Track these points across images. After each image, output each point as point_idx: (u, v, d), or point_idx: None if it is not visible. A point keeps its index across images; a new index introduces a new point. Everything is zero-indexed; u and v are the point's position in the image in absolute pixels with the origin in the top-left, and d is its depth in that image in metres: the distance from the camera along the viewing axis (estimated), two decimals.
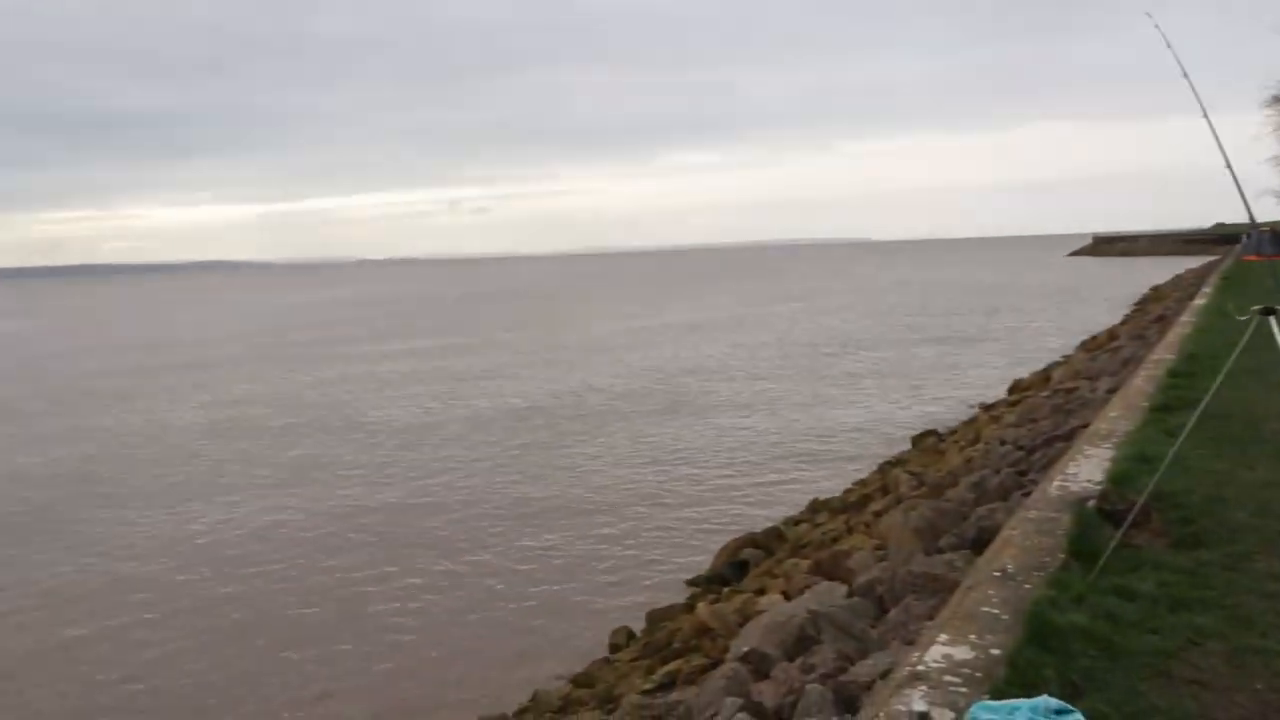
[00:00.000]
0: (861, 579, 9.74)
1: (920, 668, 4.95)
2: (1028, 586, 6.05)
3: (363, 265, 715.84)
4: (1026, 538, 7.20)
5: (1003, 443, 14.67)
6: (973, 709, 4.30)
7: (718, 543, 15.17)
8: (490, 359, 43.34)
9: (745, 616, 10.43)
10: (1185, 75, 7.99)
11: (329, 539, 16.79)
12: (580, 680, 10.83)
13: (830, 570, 11.17)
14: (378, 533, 17.00)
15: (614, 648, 11.80)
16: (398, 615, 13.36)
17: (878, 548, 11.23)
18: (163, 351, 55.37)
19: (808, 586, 10.63)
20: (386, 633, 12.79)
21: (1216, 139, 7.81)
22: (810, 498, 17.34)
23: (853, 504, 15.87)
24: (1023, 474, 11.63)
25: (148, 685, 11.62)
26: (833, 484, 18.78)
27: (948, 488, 12.89)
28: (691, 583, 13.90)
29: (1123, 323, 37.51)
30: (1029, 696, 4.35)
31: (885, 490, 15.91)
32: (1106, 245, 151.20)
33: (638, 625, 12.24)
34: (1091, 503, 7.65)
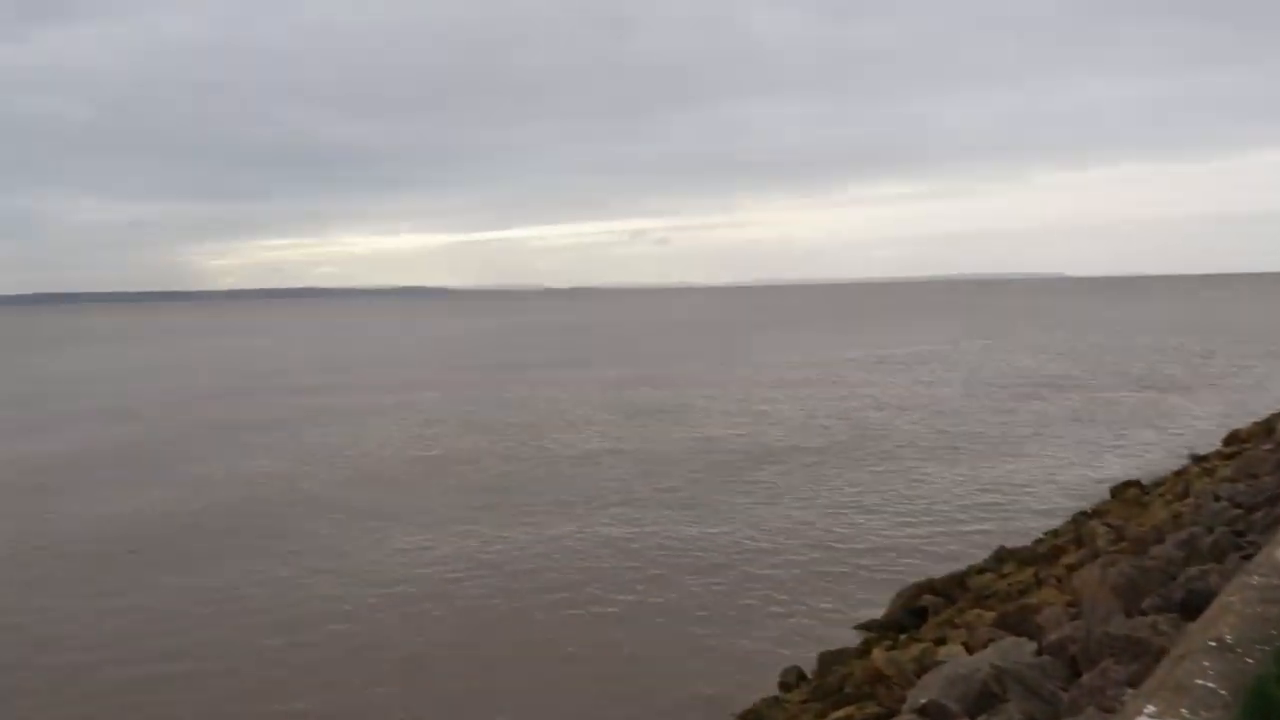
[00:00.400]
0: (1052, 636, 9.16)
1: None
2: (1250, 660, 5.51)
3: (547, 293, 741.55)
4: (1248, 605, 6.57)
5: (1217, 498, 13.45)
6: None
7: (893, 587, 14.62)
8: (669, 391, 43.80)
9: (923, 666, 10.00)
10: None
11: (509, 567, 17.08)
12: (748, 717, 10.68)
13: (1017, 624, 10.55)
14: (554, 563, 17.20)
15: (784, 686, 11.58)
16: (573, 644, 13.55)
17: (1070, 604, 10.52)
18: (364, 370, 59.27)
19: (992, 640, 10.09)
20: (561, 662, 12.99)
21: None
22: (996, 546, 16.46)
23: (1043, 555, 14.95)
24: (1241, 534, 10.65)
25: (336, 701, 12.23)
26: (1020, 533, 17.77)
27: (1152, 544, 11.95)
28: (864, 627, 13.45)
29: None
30: None
31: (1080, 543, 14.90)
32: None
33: (808, 666, 11.96)
34: None
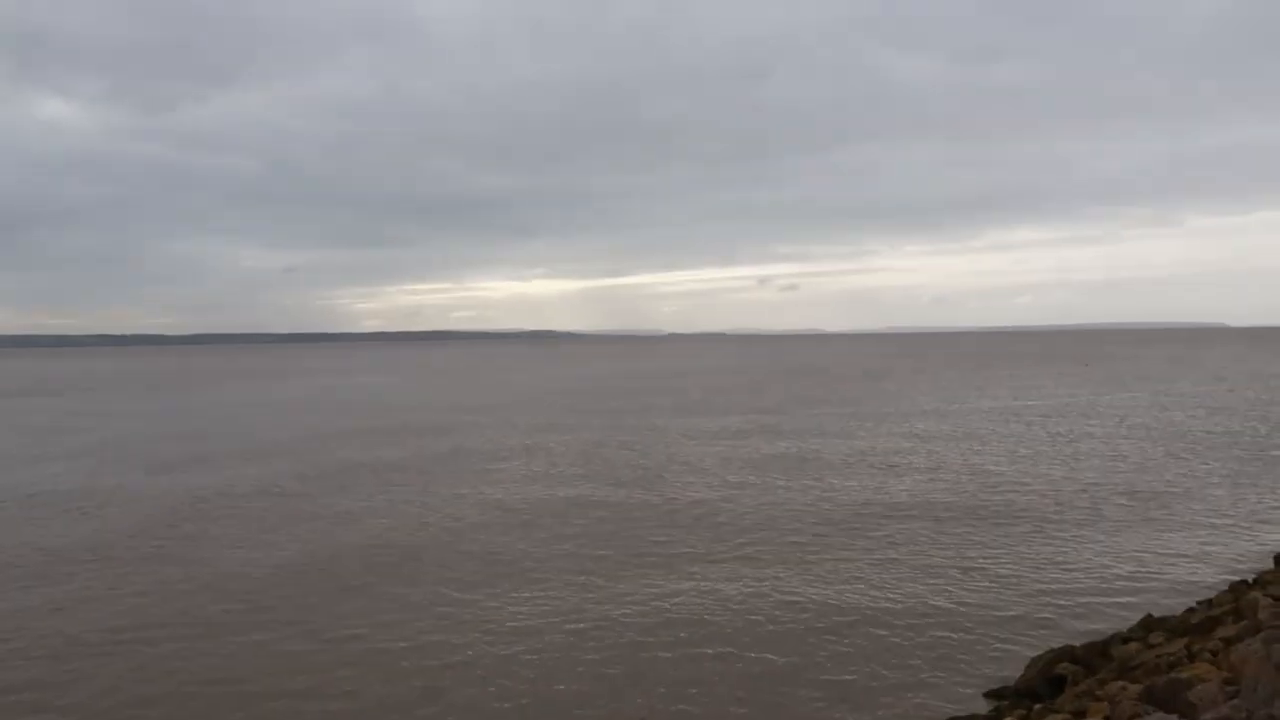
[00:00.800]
0: (1207, 716, 8.49)
1: None
2: None
3: (672, 338, 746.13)
4: None
5: None
6: None
7: (1026, 655, 13.87)
8: (792, 440, 43.21)
9: None
10: None
11: (623, 620, 16.70)
12: None
13: (1166, 700, 9.82)
14: (667, 620, 16.65)
15: None
16: (691, 703, 13.25)
17: (1228, 681, 9.73)
18: (495, 412, 60.78)
19: (1137, 715, 9.43)
20: None
21: None
22: (1142, 614, 15.40)
23: (1196, 626, 13.89)
24: None
25: None
26: (1170, 602, 16.59)
27: None
28: (994, 694, 12.77)
29: None
30: None
31: (1238, 614, 13.78)
32: None
33: None
34: None
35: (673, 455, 38.02)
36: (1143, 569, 19.34)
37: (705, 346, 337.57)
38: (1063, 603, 17.11)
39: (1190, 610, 15.44)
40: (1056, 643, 14.11)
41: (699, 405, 63.35)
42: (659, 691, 13.56)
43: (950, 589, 18.06)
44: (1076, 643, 13.94)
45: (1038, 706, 11.64)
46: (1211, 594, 16.64)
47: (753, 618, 16.63)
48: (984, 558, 20.41)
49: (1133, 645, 13.49)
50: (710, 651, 15.06)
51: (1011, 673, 13.41)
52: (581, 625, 16.50)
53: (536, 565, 20.66)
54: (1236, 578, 17.65)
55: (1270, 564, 18.34)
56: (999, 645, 14.89)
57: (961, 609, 16.81)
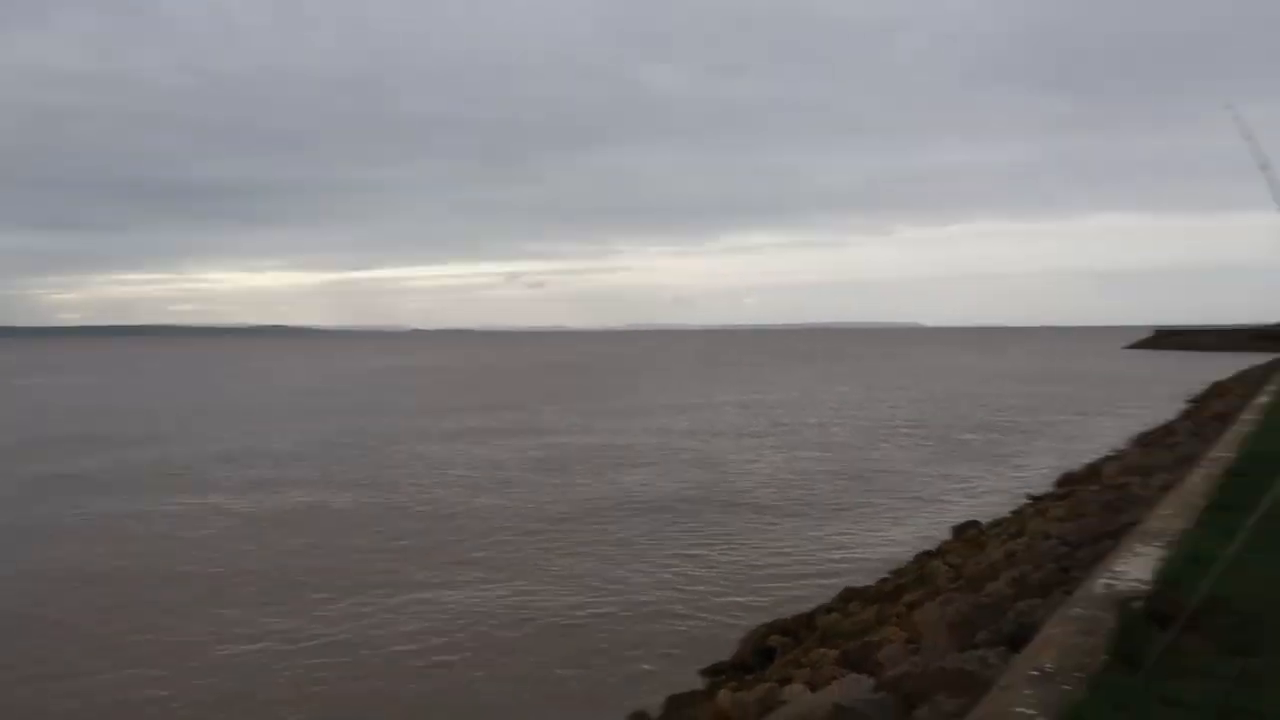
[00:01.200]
0: (891, 673, 9.18)
1: None
2: (1066, 688, 5.61)
3: (415, 334, 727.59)
4: (1068, 637, 6.74)
5: (1047, 537, 14.01)
6: None
7: (744, 629, 14.56)
8: (531, 439, 43.30)
9: (767, 706, 9.90)
10: (1264, 168, 7.61)
11: (314, 644, 15.73)
12: None
13: (859, 662, 10.61)
14: (390, 636, 15.53)
15: None
16: (432, 693, 12.82)
17: (910, 641, 10.66)
18: (214, 413, 56.29)
19: (834, 678, 10.08)
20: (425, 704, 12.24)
21: None
22: (843, 586, 16.67)
23: (887, 594, 15.21)
24: (1066, 570, 11.04)
25: None
26: (867, 573, 18.08)
27: (987, 581, 12.28)
28: (711, 670, 13.29)
29: (1182, 418, 36.34)
30: None
31: (922, 581, 15.25)
32: (1168, 338, 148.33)
33: (655, 710, 11.68)
34: (1138, 603, 7.15)
35: (410, 455, 36.87)
36: (847, 546, 21.04)
37: (449, 343, 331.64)
38: (778, 583, 18.19)
39: (883, 580, 16.90)
40: (768, 618, 14.92)
41: (439, 404, 62.01)
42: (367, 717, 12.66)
43: (674, 579, 18.62)
44: (786, 616, 14.83)
45: (749, 677, 12.24)
46: (902, 565, 18.31)
47: (479, 628, 15.93)
48: (708, 546, 21.31)
49: (834, 615, 14.56)
50: (436, 661, 14.43)
51: (731, 648, 14.01)
52: (286, 648, 14.98)
53: (251, 584, 18.67)
54: (923, 548, 19.55)
55: (950, 534, 20.48)
56: (719, 629, 15.47)
57: (685, 597, 17.37)
